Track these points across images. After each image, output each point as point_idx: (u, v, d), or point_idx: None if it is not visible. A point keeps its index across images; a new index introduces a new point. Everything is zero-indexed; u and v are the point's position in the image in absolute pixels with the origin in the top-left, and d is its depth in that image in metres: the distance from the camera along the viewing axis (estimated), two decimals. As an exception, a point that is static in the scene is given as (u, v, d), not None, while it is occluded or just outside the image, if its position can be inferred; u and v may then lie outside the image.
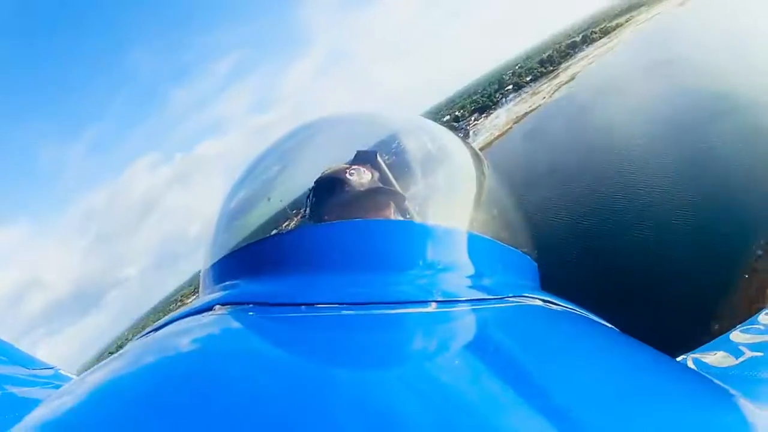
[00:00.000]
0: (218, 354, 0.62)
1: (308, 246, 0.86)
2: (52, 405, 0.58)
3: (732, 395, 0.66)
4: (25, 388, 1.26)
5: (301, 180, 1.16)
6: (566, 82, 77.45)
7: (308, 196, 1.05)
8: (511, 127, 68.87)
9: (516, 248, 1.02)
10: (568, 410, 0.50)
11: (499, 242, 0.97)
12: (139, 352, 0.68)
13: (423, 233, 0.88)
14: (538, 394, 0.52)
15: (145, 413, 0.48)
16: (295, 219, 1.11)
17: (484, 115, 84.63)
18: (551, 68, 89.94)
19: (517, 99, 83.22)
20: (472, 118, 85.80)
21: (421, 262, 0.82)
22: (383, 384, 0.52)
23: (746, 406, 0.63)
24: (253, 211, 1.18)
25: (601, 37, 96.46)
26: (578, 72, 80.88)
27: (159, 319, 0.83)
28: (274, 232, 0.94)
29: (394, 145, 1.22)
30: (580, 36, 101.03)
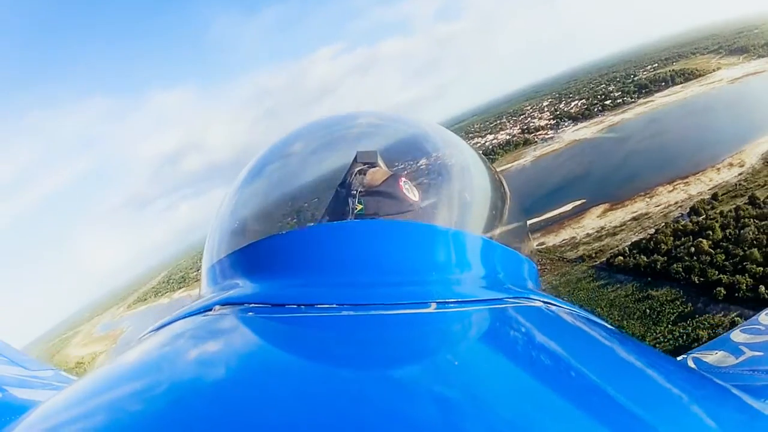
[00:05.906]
0: (217, 354, 0.62)
1: (308, 247, 0.84)
2: (52, 406, 0.58)
3: (732, 394, 0.66)
4: (25, 390, 1.25)
5: (302, 181, 1.17)
6: (615, 124, 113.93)
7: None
8: (559, 148, 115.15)
9: (516, 250, 1.01)
10: (570, 410, 0.50)
11: (499, 244, 0.96)
12: (140, 353, 0.68)
13: (423, 235, 0.87)
14: (538, 394, 0.52)
15: (144, 414, 0.49)
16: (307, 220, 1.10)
17: (573, 123, 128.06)
18: (632, 100, 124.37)
19: (587, 123, 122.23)
20: (566, 124, 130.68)
21: (421, 263, 0.81)
22: (383, 384, 0.52)
23: (747, 405, 0.63)
24: (253, 213, 1.18)
25: (681, 82, 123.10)
26: (627, 118, 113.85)
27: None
28: (273, 233, 0.94)
29: (397, 148, 1.24)
30: (671, 70, 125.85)
